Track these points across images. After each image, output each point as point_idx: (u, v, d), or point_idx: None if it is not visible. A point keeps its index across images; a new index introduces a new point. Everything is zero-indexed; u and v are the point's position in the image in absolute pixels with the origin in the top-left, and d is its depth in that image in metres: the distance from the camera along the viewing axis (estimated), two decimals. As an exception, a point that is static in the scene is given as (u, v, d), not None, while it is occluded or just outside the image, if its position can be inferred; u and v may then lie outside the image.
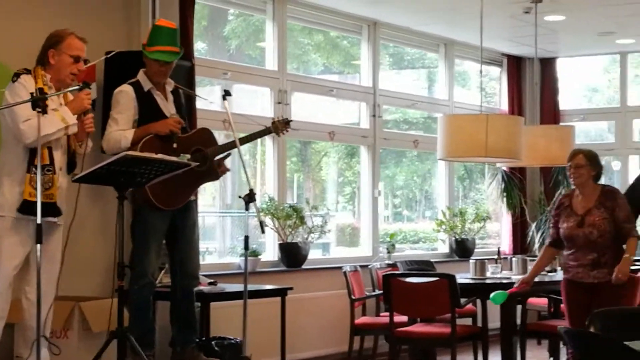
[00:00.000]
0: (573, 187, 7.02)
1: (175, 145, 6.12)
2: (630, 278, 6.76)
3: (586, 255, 6.79)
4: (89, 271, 7.08)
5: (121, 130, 6.15)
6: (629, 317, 4.98)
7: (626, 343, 4.12)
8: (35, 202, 5.36)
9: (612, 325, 4.80)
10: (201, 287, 7.01)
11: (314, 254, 9.61)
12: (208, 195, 9.45)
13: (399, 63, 11.76)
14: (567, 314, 6.98)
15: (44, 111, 5.24)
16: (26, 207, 5.51)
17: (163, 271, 7.15)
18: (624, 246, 6.80)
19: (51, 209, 5.53)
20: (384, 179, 11.06)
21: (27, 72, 5.65)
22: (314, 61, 10.46)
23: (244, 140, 6.56)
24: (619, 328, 4.73)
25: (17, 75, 5.63)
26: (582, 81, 12.96)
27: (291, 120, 6.76)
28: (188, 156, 5.97)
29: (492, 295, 6.88)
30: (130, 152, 5.50)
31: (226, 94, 6.11)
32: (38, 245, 5.15)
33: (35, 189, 5.40)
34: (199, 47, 8.81)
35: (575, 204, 6.89)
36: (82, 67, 5.78)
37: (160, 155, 5.50)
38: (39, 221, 5.13)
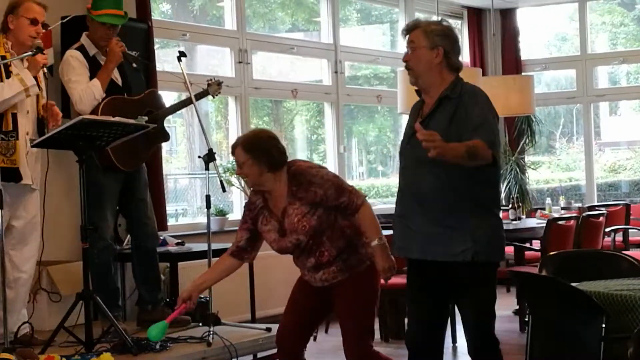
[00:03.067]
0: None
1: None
2: (367, 267, 4.97)
3: (305, 262, 4.99)
4: (56, 235, 7.14)
5: (87, 86, 6.16)
6: (581, 259, 5.09)
7: (573, 284, 4.24)
8: (5, 169, 5.51)
9: (564, 268, 4.92)
10: (169, 248, 7.10)
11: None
12: (181, 158, 9.52)
13: (367, 18, 11.77)
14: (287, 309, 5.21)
15: (8, 76, 5.34)
16: None
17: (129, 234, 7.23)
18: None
19: (13, 174, 5.59)
20: (357, 135, 11.14)
21: None
22: (281, 19, 10.47)
23: (181, 105, 6.65)
24: (570, 271, 4.84)
25: None
26: (550, 30, 13.00)
27: (222, 82, 6.73)
28: (146, 118, 6.03)
29: (148, 331, 4.94)
30: (87, 116, 5.57)
31: (181, 54, 6.16)
32: (-1, 210, 5.20)
33: (4, 155, 5.55)
34: (164, 8, 8.82)
35: (271, 202, 4.96)
36: (40, 30, 5.81)
37: (117, 118, 5.57)
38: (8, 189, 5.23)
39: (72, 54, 6.25)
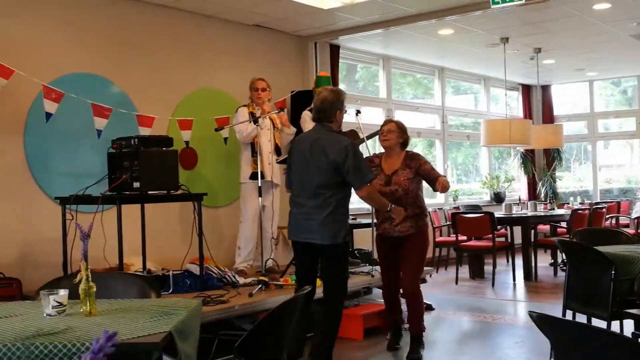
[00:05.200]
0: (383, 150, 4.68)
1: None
2: (426, 230, 4.50)
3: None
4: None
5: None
6: (594, 233, 4.85)
7: (595, 247, 4.07)
8: (257, 172, 5.50)
9: (584, 238, 4.70)
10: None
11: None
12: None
13: (458, 90, 11.57)
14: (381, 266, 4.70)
15: (257, 123, 5.36)
16: (252, 176, 5.65)
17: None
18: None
19: (261, 175, 5.54)
20: (451, 159, 10.94)
21: (244, 105, 5.76)
22: (408, 92, 10.42)
23: (362, 141, 6.53)
24: (588, 240, 4.63)
25: (237, 110, 5.77)
26: (569, 99, 12.42)
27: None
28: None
29: None
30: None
31: (358, 112, 6.10)
32: (259, 198, 5.28)
33: (256, 164, 5.50)
34: (340, 87, 8.88)
35: (385, 164, 4.57)
36: (261, 94, 5.66)
37: None
38: (259, 184, 5.23)
39: (306, 113, 6.21)
